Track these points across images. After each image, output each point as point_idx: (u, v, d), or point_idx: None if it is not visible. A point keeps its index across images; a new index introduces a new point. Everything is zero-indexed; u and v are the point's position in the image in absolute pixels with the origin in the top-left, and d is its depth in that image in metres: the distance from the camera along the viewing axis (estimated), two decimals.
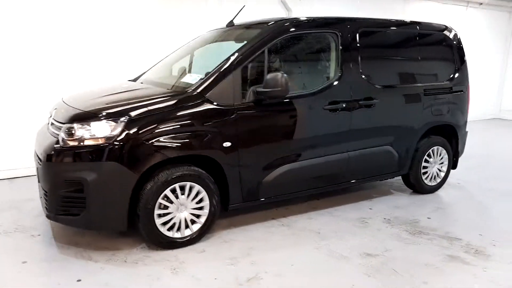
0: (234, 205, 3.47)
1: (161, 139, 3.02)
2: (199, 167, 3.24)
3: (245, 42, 3.49)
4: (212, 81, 3.26)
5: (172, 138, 3.06)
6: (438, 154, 4.71)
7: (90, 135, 2.94)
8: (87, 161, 2.90)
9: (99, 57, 5.31)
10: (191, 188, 3.20)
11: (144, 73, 4.49)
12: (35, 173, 3.53)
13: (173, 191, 3.13)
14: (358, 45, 3.91)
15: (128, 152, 2.92)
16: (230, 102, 3.27)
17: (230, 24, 4.13)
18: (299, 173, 3.70)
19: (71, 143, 2.96)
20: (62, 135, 3.01)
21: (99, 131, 2.94)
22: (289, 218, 3.92)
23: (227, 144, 3.26)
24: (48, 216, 3.08)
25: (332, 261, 3.13)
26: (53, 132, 3.20)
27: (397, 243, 3.45)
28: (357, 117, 3.91)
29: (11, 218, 3.81)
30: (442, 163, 4.78)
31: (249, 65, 3.39)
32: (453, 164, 4.92)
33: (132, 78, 4.49)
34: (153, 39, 5.67)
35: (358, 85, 3.90)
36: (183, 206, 3.20)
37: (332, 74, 3.82)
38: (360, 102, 3.91)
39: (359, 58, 3.91)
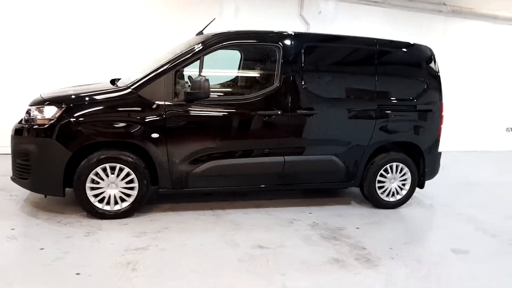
0: (164, 190, 3.99)
1: (92, 125, 3.68)
2: (135, 153, 3.82)
3: (189, 49, 3.99)
4: (146, 80, 3.83)
5: (104, 125, 3.71)
6: (398, 171, 4.68)
7: (40, 117, 3.71)
8: (33, 137, 3.69)
9: (113, 65, 6.21)
10: (121, 170, 3.80)
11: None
12: None
13: (104, 170, 3.76)
14: (302, 59, 4.16)
15: (64, 133, 3.63)
16: (162, 99, 3.81)
17: (200, 33, 4.67)
18: (228, 170, 4.08)
19: (28, 122, 3.76)
20: (25, 114, 3.83)
21: (46, 114, 3.69)
22: (225, 210, 4.31)
23: (155, 135, 3.80)
24: (11, 178, 3.93)
25: (222, 247, 3.48)
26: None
27: (299, 242, 3.66)
28: (295, 125, 4.17)
29: (4, 192, 4.62)
30: (405, 180, 4.73)
31: (183, 70, 3.90)
32: (420, 184, 4.82)
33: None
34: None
35: (298, 95, 4.16)
36: (114, 184, 3.82)
37: (270, 84, 4.13)
38: (299, 112, 4.16)
39: (302, 71, 4.16)
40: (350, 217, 4.38)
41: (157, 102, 3.81)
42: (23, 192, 4.38)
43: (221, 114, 3.99)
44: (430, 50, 4.75)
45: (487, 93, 8.90)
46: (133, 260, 3.12)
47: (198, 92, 3.74)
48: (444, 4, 8.08)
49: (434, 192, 5.38)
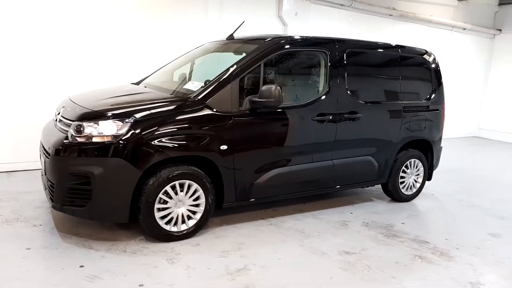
0: (228, 203, 3.77)
1: (163, 139, 3.31)
2: (197, 167, 3.53)
3: (244, 55, 3.81)
4: (212, 89, 3.57)
5: (173, 139, 3.36)
6: (415, 166, 5.10)
7: (98, 133, 3.21)
8: (94, 157, 3.17)
9: (101, 60, 5.58)
10: (189, 186, 3.49)
11: (147, 77, 4.79)
12: (41, 166, 3.77)
13: (173, 187, 3.41)
14: (345, 63, 4.27)
15: (133, 151, 3.20)
16: (229, 109, 3.58)
17: (230, 37, 4.46)
18: (288, 177, 4.03)
19: (79, 140, 3.22)
20: (71, 131, 3.27)
21: (106, 130, 3.21)
22: (277, 218, 4.23)
23: (223, 147, 3.57)
24: (53, 207, 3.32)
25: (314, 257, 3.45)
26: (61, 128, 3.47)
27: (372, 244, 3.80)
28: (342, 129, 4.27)
29: (10, 208, 4.02)
30: (418, 174, 5.18)
31: (246, 77, 3.71)
32: (428, 176, 5.32)
33: (135, 81, 4.78)
34: (155, 46, 5.97)
35: (343, 99, 4.26)
36: (181, 202, 3.49)
37: (321, 89, 4.18)
38: (345, 115, 4.27)
39: (346, 76, 4.28)
40: (386, 214, 4.65)
41: (224, 112, 3.57)
42: (45, 221, 3.76)
43: (281, 121, 3.90)
44: (435, 56, 5.25)
45: None
46: (248, 283, 2.93)
47: (269, 101, 3.60)
48: (394, 9, 8.89)
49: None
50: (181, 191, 3.46)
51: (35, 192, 4.48)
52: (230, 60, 3.90)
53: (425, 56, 5.11)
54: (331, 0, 7.78)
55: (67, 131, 3.35)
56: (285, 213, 4.40)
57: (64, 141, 3.25)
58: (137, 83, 4.70)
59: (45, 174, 3.48)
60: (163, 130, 3.32)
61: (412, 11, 9.26)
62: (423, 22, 9.61)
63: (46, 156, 3.43)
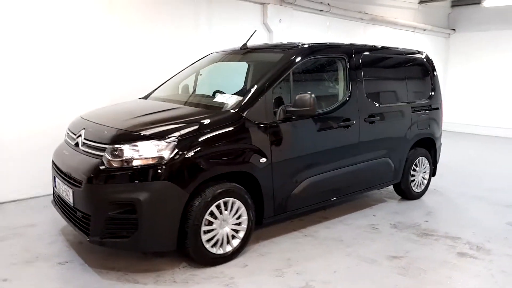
0: (267, 218, 3.62)
1: (209, 157, 3.11)
2: (236, 183, 3.36)
3: (273, 64, 3.70)
4: (248, 101, 3.42)
5: (219, 156, 3.18)
6: (422, 164, 5.24)
7: (138, 156, 2.95)
8: (139, 182, 2.90)
9: (93, 76, 5.21)
10: (232, 204, 3.30)
11: (153, 91, 4.52)
12: (55, 195, 3.42)
13: (217, 207, 3.21)
14: (361, 68, 4.30)
15: (179, 171, 2.97)
16: (265, 120, 3.45)
17: (244, 46, 4.32)
18: (320, 185, 3.96)
19: (118, 164, 2.94)
20: (106, 156, 2.97)
21: (148, 151, 2.96)
22: (308, 228, 4.14)
23: (263, 160, 3.42)
24: (91, 241, 3.00)
25: (366, 265, 3.40)
26: (88, 152, 3.15)
27: (411, 245, 3.82)
28: (364, 133, 4.28)
29: (21, 246, 3.59)
30: (425, 172, 5.32)
31: (278, 86, 3.60)
32: (433, 172, 5.49)
33: (142, 95, 4.52)
34: (149, 61, 5.69)
35: (362, 104, 4.27)
36: (225, 222, 3.29)
37: (343, 94, 4.16)
38: (365, 119, 4.28)
39: (363, 80, 4.30)
40: (406, 213, 4.72)
41: (261, 124, 3.43)
42: (69, 257, 3.40)
43: (312, 129, 3.82)
44: (431, 58, 5.45)
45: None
46: None
47: (304, 110, 3.50)
48: (366, 13, 9.17)
49: None
50: (225, 210, 3.27)
51: (38, 225, 4.05)
52: (253, 69, 3.79)
53: (424, 58, 5.28)
54: (311, 6, 7.86)
55: (98, 155, 3.05)
56: (312, 222, 4.31)
57: (100, 167, 2.94)
58: (145, 97, 4.44)
59: (74, 205, 3.13)
60: (208, 147, 3.12)
61: (381, 15, 9.60)
62: (390, 24, 10.01)
63: (73, 185, 3.10)
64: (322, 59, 4.13)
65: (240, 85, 4.41)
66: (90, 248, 3.54)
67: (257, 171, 3.40)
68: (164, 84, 4.62)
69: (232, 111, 3.36)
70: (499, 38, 11.09)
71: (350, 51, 4.24)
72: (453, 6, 12.02)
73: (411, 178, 5.11)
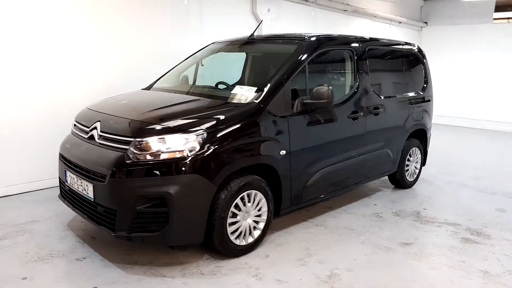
0: (284, 209, 3.66)
1: (235, 149, 3.11)
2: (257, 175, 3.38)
3: (287, 56, 3.71)
4: (268, 92, 3.42)
5: (244, 148, 3.18)
6: (415, 154, 5.46)
7: (166, 149, 2.90)
8: (168, 175, 2.85)
9: (88, 70, 5.02)
10: (254, 196, 3.32)
11: (155, 82, 4.43)
12: (67, 189, 3.31)
13: (241, 199, 3.22)
14: (367, 60, 4.39)
15: (208, 164, 2.95)
16: (284, 112, 3.47)
17: (251, 37, 4.30)
18: (331, 176, 4.05)
19: (145, 158, 2.88)
20: (132, 149, 2.90)
21: (176, 144, 2.91)
22: (316, 218, 4.23)
23: (283, 152, 3.46)
24: (118, 236, 2.92)
25: (382, 253, 3.53)
26: (108, 145, 3.06)
27: (418, 232, 4.00)
28: (369, 124, 4.40)
29: (32, 243, 3.45)
30: (417, 161, 5.55)
31: (295, 78, 3.63)
32: (423, 162, 5.73)
33: (135, 86, 4.46)
34: (140, 50, 5.52)
35: (368, 96, 4.38)
36: (247, 214, 3.31)
37: (352, 86, 4.24)
38: (371, 111, 4.40)
39: (368, 72, 4.40)
40: (403, 201, 4.91)
41: (281, 116, 3.45)
42: (85, 253, 3.31)
43: (327, 120, 3.89)
44: (422, 50, 5.64)
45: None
46: None
47: (322, 102, 3.55)
48: (348, 5, 9.31)
49: None
50: (248, 202, 3.28)
51: (41, 220, 3.91)
52: (267, 60, 3.80)
53: (417, 50, 5.45)
54: None
55: (120, 148, 2.97)
56: (318, 212, 4.41)
57: (127, 161, 2.86)
58: (148, 88, 4.34)
59: (94, 200, 3.03)
60: (234, 139, 3.11)
61: (362, 7, 9.78)
62: (370, 17, 10.22)
63: (94, 179, 3.00)
64: (333, 51, 4.18)
65: (249, 76, 4.40)
66: (104, 243, 3.46)
67: (277, 163, 3.43)
68: (166, 74, 4.53)
69: (254, 103, 3.35)
70: (471, 32, 11.57)
71: (357, 43, 4.32)
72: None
73: (406, 168, 5.32)
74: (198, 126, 3.00)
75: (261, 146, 3.30)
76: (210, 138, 2.99)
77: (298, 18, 8.18)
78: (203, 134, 2.97)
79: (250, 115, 3.27)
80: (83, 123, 3.47)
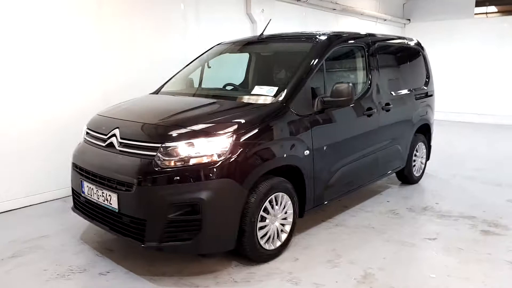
0: (308, 210, 3.59)
1: (263, 151, 3.02)
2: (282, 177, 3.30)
3: (304, 54, 3.65)
4: (290, 91, 3.35)
5: (272, 149, 3.10)
6: (421, 149, 5.49)
7: (195, 153, 2.79)
8: (200, 181, 2.74)
9: (89, 80, 4.85)
10: (281, 198, 3.24)
11: (163, 86, 4.30)
12: (82, 200, 3.16)
13: (269, 202, 3.13)
14: (377, 57, 4.38)
15: (238, 167, 2.86)
16: (305, 111, 3.41)
17: (261, 35, 4.23)
18: (350, 175, 4.01)
19: (174, 163, 2.75)
20: (160, 155, 2.77)
21: (206, 148, 2.80)
22: (335, 218, 4.18)
23: (307, 152, 3.39)
24: (147, 247, 2.79)
25: (409, 249, 3.51)
26: (130, 153, 2.93)
27: (437, 227, 4.00)
28: (382, 120, 4.38)
29: (47, 260, 3.27)
30: (422, 156, 5.58)
31: (314, 76, 3.57)
32: (427, 156, 5.77)
33: (134, 90, 4.38)
34: (137, 53, 5.38)
35: (379, 92, 4.37)
36: (275, 217, 3.23)
37: (365, 83, 4.22)
38: (383, 107, 4.39)
39: (379, 68, 4.39)
40: (414, 197, 4.92)
41: (303, 115, 3.39)
42: (107, 266, 3.15)
43: (346, 118, 3.86)
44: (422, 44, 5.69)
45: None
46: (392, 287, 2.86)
47: (342, 100, 3.50)
48: (337, 4, 9.36)
49: None
50: (276, 204, 3.20)
51: (51, 235, 3.74)
52: (280, 60, 3.73)
53: (418, 46, 5.49)
54: None
55: (145, 155, 2.84)
56: (335, 212, 4.36)
57: (155, 168, 2.74)
58: (156, 92, 4.21)
59: (119, 211, 2.89)
60: (262, 140, 3.02)
61: (351, 5, 9.85)
62: (357, 15, 10.33)
63: (118, 189, 2.85)
64: (347, 48, 4.15)
65: (263, 76, 4.33)
66: (123, 254, 3.32)
67: (302, 163, 3.37)
68: (173, 78, 4.40)
69: (277, 103, 3.27)
70: (453, 27, 11.82)
71: (367, 40, 4.30)
72: None
73: (413, 163, 5.34)
74: (226, 128, 2.90)
75: (288, 146, 3.23)
76: (238, 140, 2.89)
77: (289, 17, 8.16)
78: (232, 136, 2.87)
79: (275, 116, 3.19)
80: (98, 130, 3.31)
